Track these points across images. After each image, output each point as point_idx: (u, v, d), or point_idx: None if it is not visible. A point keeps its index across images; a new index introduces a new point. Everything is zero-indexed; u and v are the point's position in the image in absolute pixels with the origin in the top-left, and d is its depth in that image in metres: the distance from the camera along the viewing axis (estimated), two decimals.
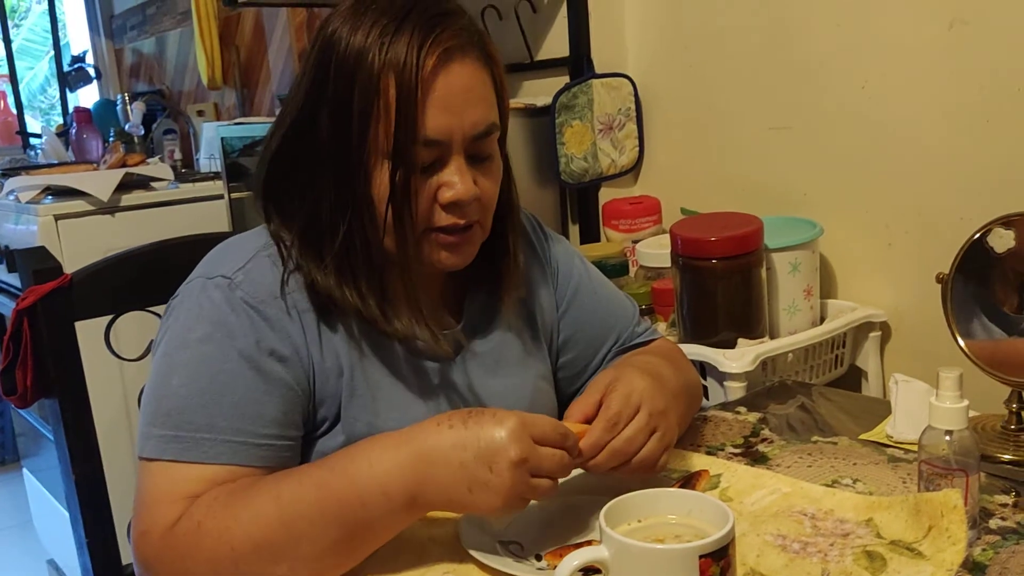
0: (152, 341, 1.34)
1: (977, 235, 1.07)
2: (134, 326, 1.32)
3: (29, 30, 5.67)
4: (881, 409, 1.20)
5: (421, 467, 0.79)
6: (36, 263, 1.26)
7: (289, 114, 0.93)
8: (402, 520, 0.82)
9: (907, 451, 1.07)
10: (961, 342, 1.07)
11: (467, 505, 0.79)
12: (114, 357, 1.31)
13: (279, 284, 0.92)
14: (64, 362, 1.25)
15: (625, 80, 1.86)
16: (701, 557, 0.66)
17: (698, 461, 1.05)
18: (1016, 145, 1.36)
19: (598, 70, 1.86)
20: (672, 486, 0.92)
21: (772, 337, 1.44)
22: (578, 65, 1.87)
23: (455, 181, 0.89)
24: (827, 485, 0.98)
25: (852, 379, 1.57)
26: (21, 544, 2.90)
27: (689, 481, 0.93)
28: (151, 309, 1.33)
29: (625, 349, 1.16)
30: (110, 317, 1.30)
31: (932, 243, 1.48)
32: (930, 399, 0.86)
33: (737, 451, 1.09)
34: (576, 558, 0.68)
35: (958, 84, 1.40)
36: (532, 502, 0.93)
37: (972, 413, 1.13)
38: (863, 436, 1.12)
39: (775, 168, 1.67)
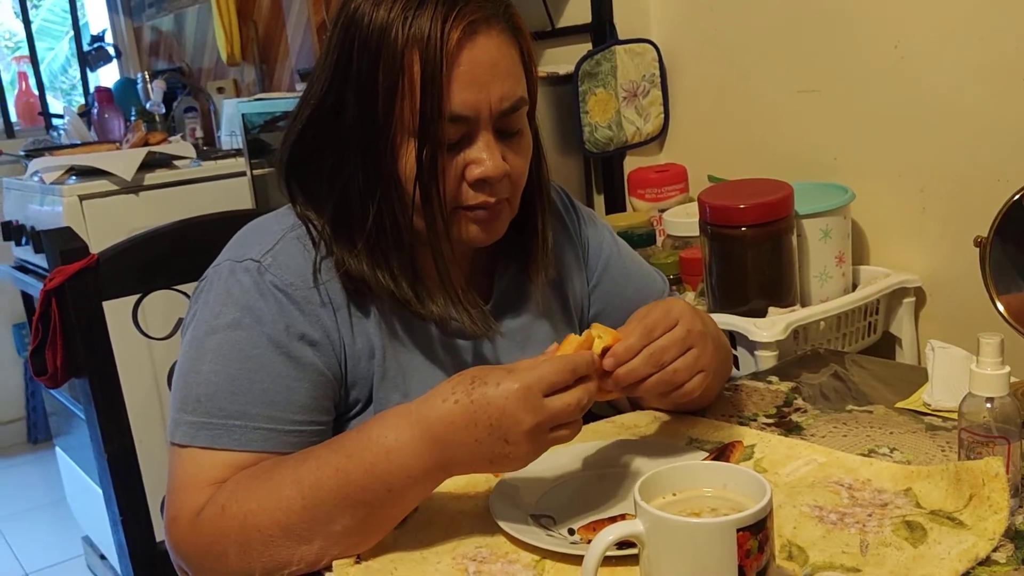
0: (180, 320, 1.35)
1: (1017, 196, 1.03)
2: (161, 304, 1.32)
3: (48, 11, 5.67)
4: (917, 376, 1.18)
5: (438, 449, 0.78)
6: (63, 244, 1.26)
7: (313, 95, 0.92)
8: (428, 490, 0.82)
9: (945, 419, 1.05)
10: (1000, 307, 1.04)
11: (491, 471, 0.82)
12: (143, 336, 1.31)
13: (309, 266, 0.91)
14: (93, 342, 1.25)
15: (649, 46, 1.82)
16: (739, 531, 0.64)
17: (730, 431, 1.03)
18: None
19: (621, 36, 1.83)
20: (706, 458, 0.91)
21: (803, 305, 1.42)
22: (600, 31, 1.84)
23: (483, 158, 0.87)
24: (863, 455, 0.96)
25: (886, 346, 1.55)
26: (56, 522, 2.94)
27: (723, 453, 0.92)
28: (178, 288, 1.33)
29: None
30: (137, 296, 1.29)
31: (968, 206, 1.44)
32: (971, 366, 0.84)
33: (770, 421, 1.07)
34: (611, 533, 0.67)
35: (994, 41, 1.36)
36: (563, 473, 0.93)
37: (1013, 379, 1.11)
38: (899, 404, 1.10)
39: (804, 132, 1.63)
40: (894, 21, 1.47)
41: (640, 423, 1.08)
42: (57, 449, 2.76)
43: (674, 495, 0.73)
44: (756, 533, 0.65)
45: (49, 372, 1.28)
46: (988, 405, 0.83)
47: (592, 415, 1.14)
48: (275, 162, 0.99)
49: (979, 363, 0.83)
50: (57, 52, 5.46)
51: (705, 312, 1.18)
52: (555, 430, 0.78)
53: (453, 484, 0.93)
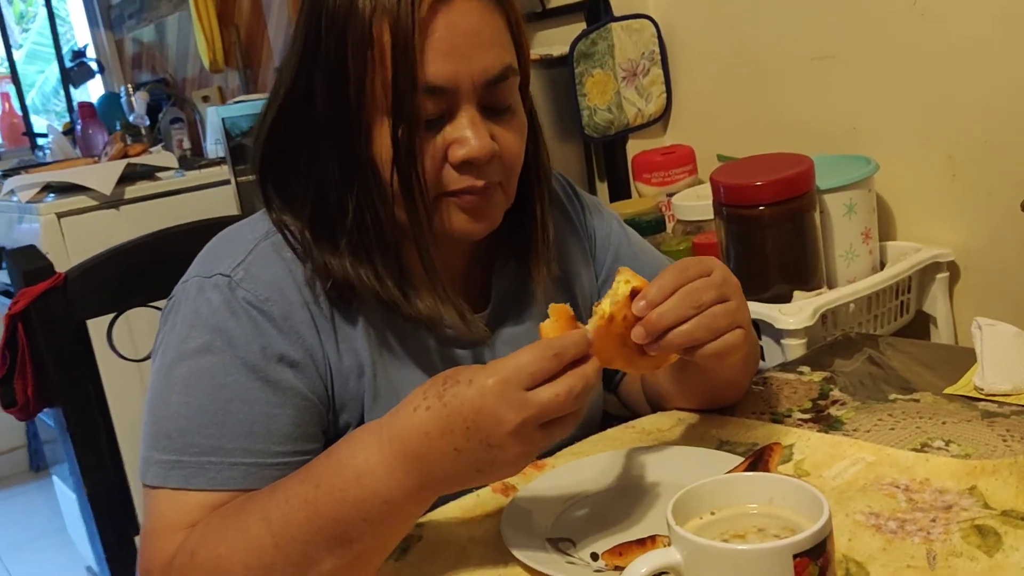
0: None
1: None
2: (148, 322, 1.23)
3: (38, 33, 5.61)
4: (963, 358, 1.07)
5: (414, 466, 0.67)
6: (26, 263, 1.17)
7: (283, 84, 0.84)
8: (416, 513, 0.72)
9: (1002, 404, 0.95)
10: None
11: (483, 483, 0.73)
12: (132, 358, 1.23)
13: (286, 277, 0.82)
14: (67, 368, 1.16)
15: (647, 21, 1.72)
16: (796, 556, 0.55)
17: (765, 431, 0.93)
18: None
19: (616, 13, 1.73)
20: (741, 464, 0.80)
21: (830, 287, 1.32)
22: (595, 9, 1.74)
23: (467, 136, 0.78)
24: (916, 450, 0.87)
25: (920, 326, 1.45)
26: (59, 552, 2.87)
27: (760, 458, 0.81)
28: (155, 304, 1.24)
29: None
30: (112, 316, 1.20)
31: (1002, 171, 1.34)
32: None
33: (806, 417, 0.97)
34: (644, 565, 0.57)
35: None
36: (580, 490, 0.83)
37: None
38: (948, 390, 1.00)
39: (819, 103, 1.53)
40: None
41: (663, 426, 0.99)
42: (54, 478, 2.68)
43: (712, 514, 0.63)
44: (816, 558, 0.55)
45: (19, 403, 1.19)
46: None
47: (608, 419, 1.04)
48: (252, 159, 0.90)
49: None
50: (48, 74, 5.40)
51: None
52: (547, 426, 0.66)
53: (459, 506, 0.85)
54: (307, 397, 0.81)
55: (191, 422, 0.77)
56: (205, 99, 3.36)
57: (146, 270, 1.23)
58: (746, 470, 0.78)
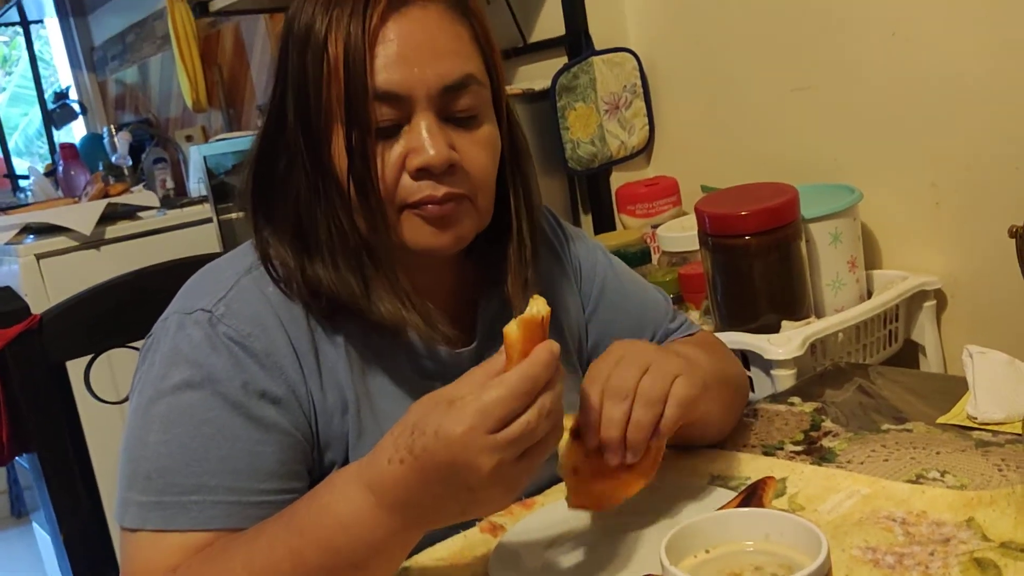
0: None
1: None
2: (128, 363, 1.20)
3: (21, 76, 5.61)
4: (954, 386, 1.06)
5: (399, 513, 0.66)
6: (0, 305, 1.14)
7: (264, 114, 0.85)
8: (406, 550, 0.71)
9: (996, 433, 0.93)
10: None
11: (474, 517, 0.70)
12: (106, 400, 1.20)
13: (268, 311, 0.81)
14: (43, 411, 1.13)
15: (628, 55, 1.73)
16: None
17: (756, 465, 0.91)
18: None
19: (598, 46, 1.73)
20: (734, 500, 0.78)
21: (818, 317, 1.31)
22: (576, 43, 1.75)
23: (423, 143, 0.77)
24: (911, 481, 0.85)
25: (908, 355, 1.44)
26: None
27: (754, 493, 0.79)
28: (133, 345, 1.21)
29: None
30: (92, 357, 1.18)
31: (985, 197, 1.34)
32: None
33: (798, 449, 0.96)
34: None
35: (1002, 18, 1.27)
36: (568, 529, 0.81)
37: None
38: (941, 420, 0.99)
39: (801, 133, 1.53)
40: (890, 7, 1.38)
41: None
42: (34, 524, 2.62)
43: (707, 552, 0.61)
44: None
45: None
46: None
47: None
48: (238, 197, 0.90)
49: None
50: (32, 117, 5.39)
51: (714, 336, 1.07)
52: (526, 455, 0.64)
53: (447, 548, 0.83)
54: (291, 434, 0.79)
55: (171, 461, 0.75)
56: (188, 138, 3.36)
57: (125, 310, 1.21)
58: (739, 505, 0.76)
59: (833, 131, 1.49)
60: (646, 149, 1.79)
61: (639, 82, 1.74)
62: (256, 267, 0.83)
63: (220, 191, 2.09)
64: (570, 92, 1.69)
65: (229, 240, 2.09)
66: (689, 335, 1.05)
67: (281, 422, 0.78)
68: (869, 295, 1.41)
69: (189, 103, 3.20)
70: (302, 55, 0.79)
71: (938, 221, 1.40)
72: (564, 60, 1.76)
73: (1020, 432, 0.92)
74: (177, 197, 2.74)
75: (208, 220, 2.21)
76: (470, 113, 0.80)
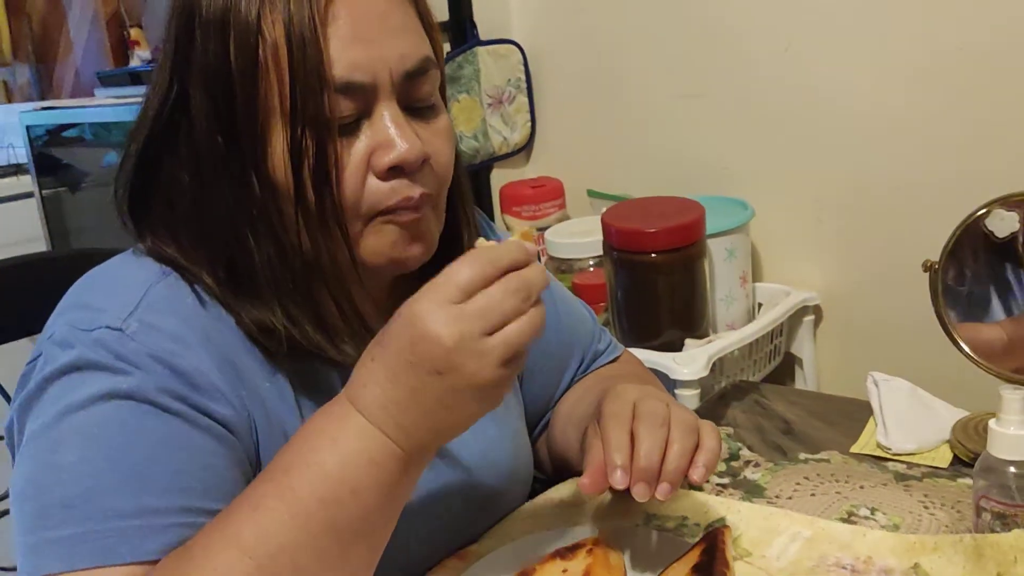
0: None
1: (973, 218, 0.95)
2: None
3: None
4: (854, 410, 1.08)
5: (386, 423, 0.59)
6: None
7: (151, 108, 0.70)
8: (405, 483, 0.62)
9: (910, 464, 0.95)
10: (964, 346, 0.95)
11: (461, 422, 0.61)
12: None
13: (189, 328, 0.67)
14: None
15: (513, 47, 1.66)
16: None
17: (690, 503, 0.88)
18: (954, 107, 1.27)
19: (483, 36, 1.65)
20: (694, 551, 0.75)
21: (712, 332, 1.31)
22: (460, 31, 1.66)
23: (392, 137, 0.66)
24: (843, 519, 0.85)
25: (786, 368, 1.47)
26: None
27: (714, 545, 0.76)
28: None
29: (588, 372, 0.99)
30: None
31: (866, 217, 1.38)
32: (990, 423, 0.74)
33: (724, 481, 0.94)
34: None
35: (892, 43, 1.31)
36: None
37: (960, 413, 1.04)
38: (854, 449, 1.00)
39: (689, 141, 1.53)
40: (785, 23, 1.39)
41: (581, 498, 0.92)
42: None
43: None
44: None
45: None
46: (1012, 470, 0.72)
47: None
48: (114, 195, 0.74)
49: (1001, 421, 0.73)
50: None
51: (637, 359, 1.04)
52: (499, 333, 0.57)
53: None
54: (241, 451, 0.67)
55: (100, 481, 0.61)
56: None
57: None
58: (700, 560, 0.73)
59: (723, 141, 1.49)
60: (527, 147, 1.74)
61: (523, 77, 1.68)
62: (167, 273, 0.70)
63: (42, 162, 1.84)
64: (454, 83, 1.61)
65: (55, 219, 1.84)
66: (615, 357, 1.01)
67: (230, 437, 0.66)
68: (754, 309, 1.43)
69: None
70: (221, 41, 0.65)
71: (819, 237, 1.44)
72: (446, 47, 1.67)
73: (932, 464, 0.95)
74: None
75: (27, 195, 1.94)
76: (429, 102, 0.70)
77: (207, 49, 0.66)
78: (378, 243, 0.69)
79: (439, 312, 0.56)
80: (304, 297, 0.69)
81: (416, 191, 0.68)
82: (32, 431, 0.64)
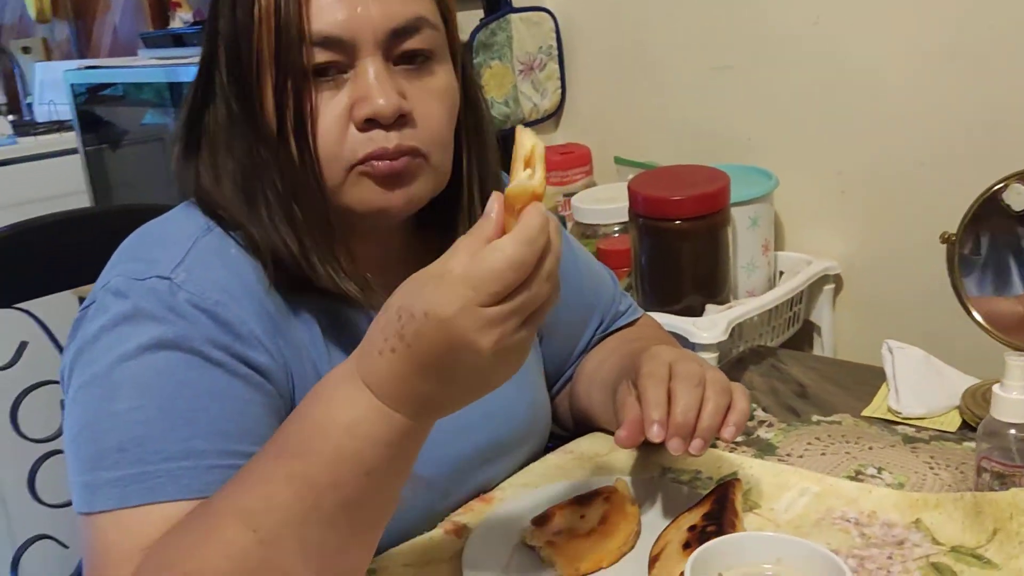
0: (23, 344, 1.11)
1: (991, 191, 0.98)
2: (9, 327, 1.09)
3: None
4: (869, 376, 1.12)
5: (404, 405, 0.58)
6: None
7: (200, 57, 0.79)
8: (416, 448, 0.61)
9: (919, 428, 0.99)
10: (976, 314, 0.98)
11: (479, 397, 0.60)
12: None
13: (234, 278, 0.73)
14: None
15: (546, 14, 1.68)
16: None
17: (705, 458, 0.92)
18: (978, 84, 1.29)
19: (516, 3, 1.68)
20: (705, 502, 0.79)
21: (733, 298, 1.34)
22: None
23: (369, 90, 0.71)
24: (851, 477, 0.89)
25: (804, 335, 1.50)
26: None
27: (725, 496, 0.80)
28: (21, 307, 1.09)
29: (608, 332, 1.03)
30: None
31: (888, 190, 1.40)
32: (993, 388, 0.77)
33: (738, 439, 0.98)
34: None
35: (921, 19, 1.32)
36: None
37: (972, 381, 1.07)
38: (866, 412, 1.04)
39: (715, 112, 1.55)
40: None
41: (601, 451, 0.97)
42: None
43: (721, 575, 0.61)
44: None
45: None
46: (1012, 432, 0.76)
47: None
48: (171, 148, 0.81)
49: (1004, 386, 0.77)
50: None
51: (656, 322, 1.08)
52: (529, 320, 0.56)
53: (412, 549, 0.81)
54: (276, 397, 0.72)
55: (151, 428, 0.66)
56: (26, 50, 3.03)
57: (3, 268, 1.09)
58: (711, 508, 0.77)
59: (749, 112, 1.51)
60: (556, 114, 1.76)
61: (555, 44, 1.70)
62: (212, 227, 0.75)
63: (85, 119, 1.89)
64: (487, 49, 1.64)
65: (98, 175, 1.90)
66: (635, 319, 1.05)
67: (267, 385, 0.72)
68: (775, 277, 1.46)
69: (32, 12, 2.88)
70: (231, 3, 0.73)
71: (842, 208, 1.46)
72: (480, 14, 1.69)
73: (940, 428, 0.99)
74: (26, 123, 2.47)
75: (72, 151, 1.99)
76: (420, 57, 0.74)
77: (223, 10, 0.73)
78: (358, 193, 0.74)
79: (475, 321, 0.53)
80: (291, 229, 0.73)
81: (392, 142, 0.72)
82: (87, 378, 0.69)
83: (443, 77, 0.76)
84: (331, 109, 0.71)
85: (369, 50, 0.71)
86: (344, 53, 0.71)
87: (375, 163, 0.72)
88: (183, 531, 0.62)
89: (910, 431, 0.99)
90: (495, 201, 0.55)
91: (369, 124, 0.71)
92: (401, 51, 0.72)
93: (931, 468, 0.91)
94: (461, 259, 0.54)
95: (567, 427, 1.06)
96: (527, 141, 0.57)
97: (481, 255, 0.54)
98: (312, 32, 0.69)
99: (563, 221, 1.53)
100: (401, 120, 0.72)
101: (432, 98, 0.74)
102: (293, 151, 0.72)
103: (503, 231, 0.55)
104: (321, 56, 0.70)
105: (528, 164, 0.56)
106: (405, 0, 0.72)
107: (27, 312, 1.10)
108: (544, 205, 0.56)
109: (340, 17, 0.70)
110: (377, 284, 0.76)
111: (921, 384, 1.04)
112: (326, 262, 0.74)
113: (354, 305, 0.77)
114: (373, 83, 0.71)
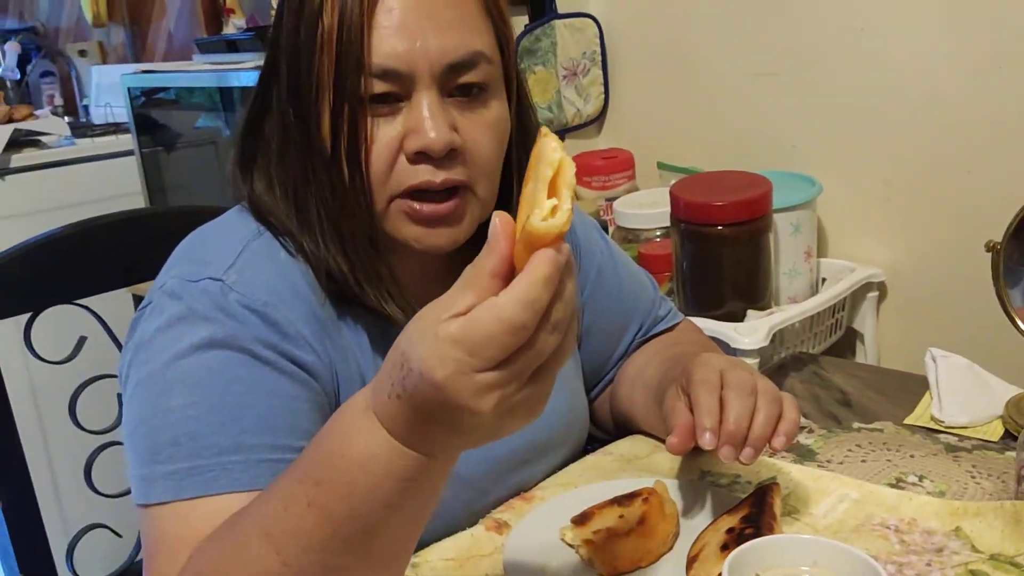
0: (82, 339, 1.15)
1: None
2: (54, 322, 1.12)
3: None
4: (913, 384, 1.11)
5: (416, 444, 0.55)
6: None
7: (261, 71, 0.81)
8: (441, 480, 0.59)
9: (962, 438, 0.99)
10: (1021, 323, 0.98)
11: (497, 439, 0.56)
12: (37, 359, 1.11)
13: (283, 282, 0.76)
14: None
15: (590, 20, 1.70)
16: None
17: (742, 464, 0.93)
18: None
19: (560, 9, 1.69)
20: (743, 506, 0.80)
21: (774, 304, 1.34)
22: (539, 4, 1.70)
23: (423, 124, 0.72)
24: (891, 485, 0.89)
25: (847, 342, 1.50)
26: None
27: (763, 499, 0.81)
28: (81, 303, 1.13)
29: (648, 337, 1.04)
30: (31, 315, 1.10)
31: (935, 198, 1.39)
32: None
33: None
34: None
35: (968, 27, 1.31)
36: None
37: (1016, 390, 1.06)
38: (908, 421, 1.03)
39: (760, 118, 1.55)
40: (862, 2, 1.40)
41: (641, 454, 0.98)
42: None
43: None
44: None
45: None
46: None
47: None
48: (231, 155, 0.84)
49: None
50: None
51: (697, 327, 1.08)
52: (537, 374, 0.52)
53: (454, 546, 0.82)
54: (322, 395, 0.75)
55: (204, 423, 0.69)
56: (82, 54, 3.11)
57: (66, 266, 1.13)
58: (749, 512, 0.78)
59: (793, 119, 1.51)
60: (599, 119, 1.78)
61: (599, 50, 1.72)
62: (263, 232, 0.78)
63: (141, 122, 1.94)
64: (531, 55, 1.66)
65: (153, 177, 1.95)
66: (675, 324, 1.06)
67: (312, 382, 0.74)
68: (817, 284, 1.46)
69: (88, 16, 2.96)
70: (295, 22, 0.75)
71: (887, 216, 1.45)
72: (524, 20, 1.71)
73: (983, 438, 0.98)
74: (83, 124, 2.54)
75: (126, 153, 2.05)
76: (475, 91, 0.75)
77: (287, 27, 0.75)
78: (397, 226, 0.76)
79: (470, 384, 0.49)
80: (340, 249, 0.76)
81: (439, 176, 0.74)
82: (143, 376, 0.72)
83: (496, 109, 0.77)
84: (384, 137, 0.73)
85: (425, 83, 0.72)
86: (401, 85, 0.72)
87: (419, 206, 0.74)
88: (217, 542, 0.64)
89: (952, 440, 0.98)
90: (501, 229, 0.50)
91: (419, 156, 0.73)
92: (457, 85, 0.74)
93: (973, 477, 0.91)
94: (457, 315, 0.50)
95: (607, 430, 1.07)
96: (553, 156, 0.48)
97: (476, 316, 0.49)
98: (372, 64, 0.71)
99: (605, 226, 1.54)
100: (451, 154, 0.74)
101: (484, 130, 0.76)
102: (344, 173, 0.74)
103: (510, 263, 0.50)
104: (379, 87, 0.72)
105: (553, 190, 0.48)
106: (463, 34, 0.73)
107: (86, 308, 1.14)
108: (564, 242, 0.49)
109: (400, 49, 0.71)
110: (421, 303, 0.78)
111: (964, 393, 1.04)
112: (372, 284, 0.77)
113: (398, 326, 0.78)
114: (426, 117, 0.72)
